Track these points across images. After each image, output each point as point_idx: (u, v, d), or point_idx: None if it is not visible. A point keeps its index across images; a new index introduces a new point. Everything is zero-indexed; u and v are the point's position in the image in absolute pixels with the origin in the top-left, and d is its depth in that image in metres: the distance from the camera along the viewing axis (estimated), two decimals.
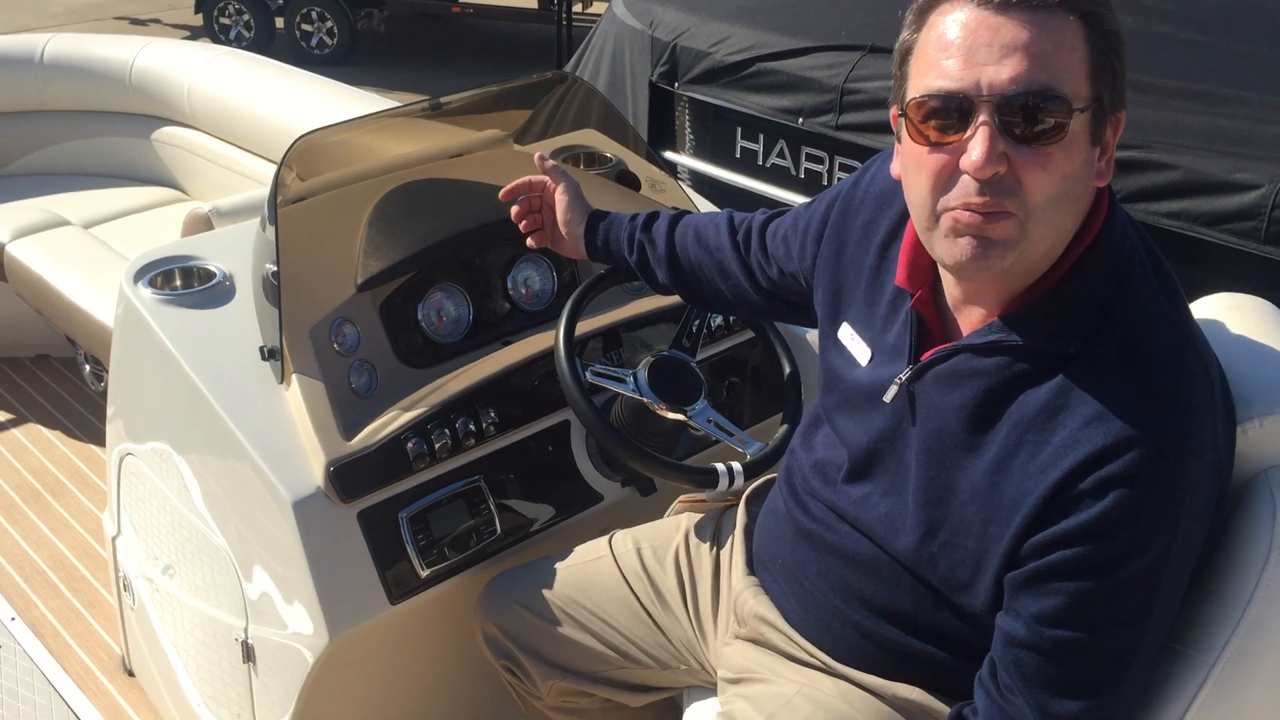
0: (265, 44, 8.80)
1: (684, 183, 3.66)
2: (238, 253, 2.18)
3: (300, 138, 2.01)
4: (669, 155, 3.66)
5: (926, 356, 1.34)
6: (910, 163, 1.25)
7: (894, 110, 1.30)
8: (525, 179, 1.94)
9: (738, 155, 3.45)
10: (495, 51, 9.01)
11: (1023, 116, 1.16)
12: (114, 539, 2.39)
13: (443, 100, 2.26)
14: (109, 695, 2.55)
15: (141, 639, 2.42)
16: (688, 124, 3.60)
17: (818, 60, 3.17)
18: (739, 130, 3.42)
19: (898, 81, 1.28)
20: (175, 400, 2.00)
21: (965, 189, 1.19)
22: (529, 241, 1.97)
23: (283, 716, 1.94)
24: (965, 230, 1.20)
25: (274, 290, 1.91)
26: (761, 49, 3.29)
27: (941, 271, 1.34)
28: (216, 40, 8.83)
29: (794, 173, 3.31)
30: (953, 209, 1.20)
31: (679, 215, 1.85)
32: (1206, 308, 1.50)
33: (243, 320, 2.04)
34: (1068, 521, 1.19)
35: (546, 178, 1.93)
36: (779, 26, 3.35)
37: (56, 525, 3.06)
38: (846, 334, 1.49)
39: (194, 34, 9.28)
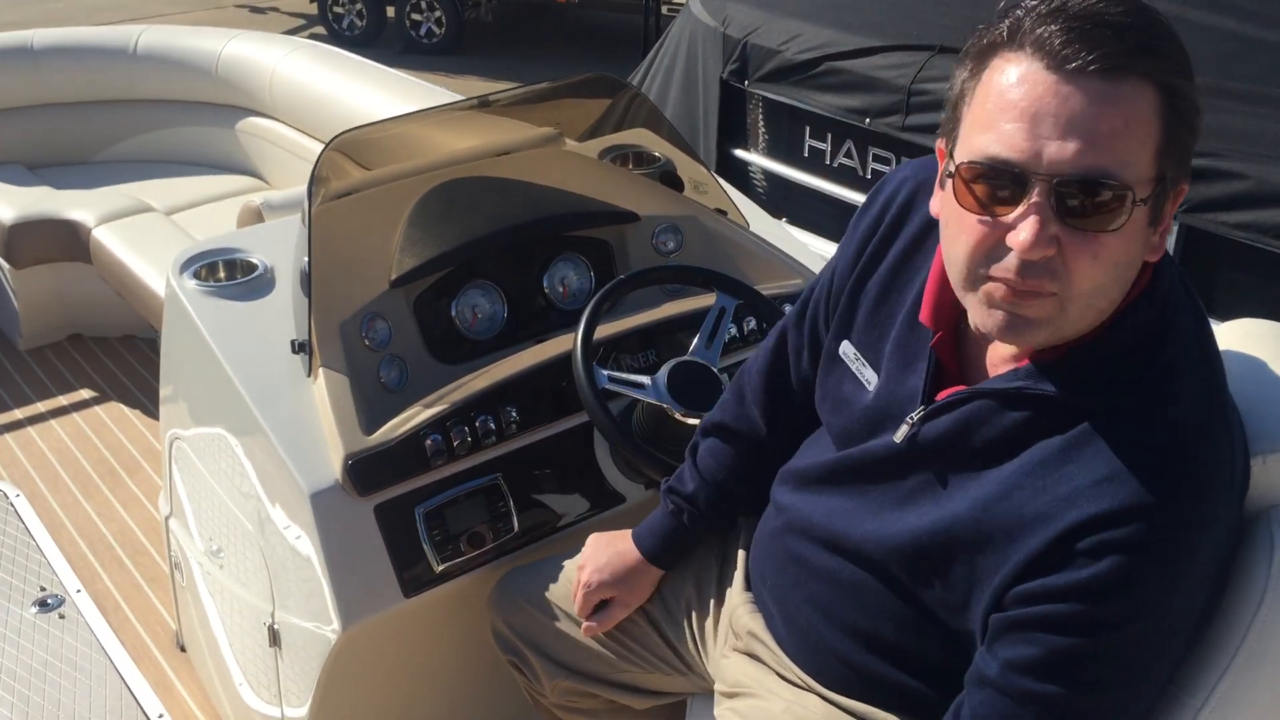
0: (376, 33, 9.00)
1: (755, 181, 3.64)
2: (283, 246, 2.23)
3: (340, 134, 2.04)
4: (739, 153, 3.64)
5: (943, 396, 1.29)
6: (952, 219, 1.17)
7: (941, 144, 1.22)
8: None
9: (806, 154, 3.41)
10: (600, 43, 9.05)
11: (1081, 201, 1.07)
12: (166, 518, 2.47)
13: (490, 98, 2.28)
14: (161, 669, 2.64)
15: (194, 616, 2.50)
16: (760, 122, 3.57)
17: (886, 60, 3.12)
18: (807, 129, 3.38)
19: (949, 123, 1.19)
20: (212, 389, 2.06)
21: (1008, 265, 1.11)
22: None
23: (306, 700, 1.98)
24: (1001, 305, 1.14)
25: (306, 284, 1.96)
26: (830, 48, 3.25)
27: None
28: (330, 29, 9.05)
29: (861, 173, 3.26)
30: (993, 279, 1.13)
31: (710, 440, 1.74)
32: (1223, 335, 1.43)
33: (280, 313, 2.09)
34: (1060, 576, 1.14)
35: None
36: (849, 25, 3.30)
37: (128, 501, 3.18)
38: (849, 352, 1.44)
39: (309, 22, 9.53)
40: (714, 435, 1.72)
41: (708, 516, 1.70)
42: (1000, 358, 1.26)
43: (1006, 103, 1.10)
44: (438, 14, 8.71)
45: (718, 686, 1.64)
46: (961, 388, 1.28)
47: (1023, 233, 1.09)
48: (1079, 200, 1.07)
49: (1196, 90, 1.12)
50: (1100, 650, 1.14)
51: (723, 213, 2.37)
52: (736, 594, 1.64)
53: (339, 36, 8.95)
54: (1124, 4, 1.09)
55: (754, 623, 1.58)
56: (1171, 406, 1.16)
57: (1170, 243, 2.58)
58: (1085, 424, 1.17)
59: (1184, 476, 1.13)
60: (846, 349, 1.44)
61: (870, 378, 1.40)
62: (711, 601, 1.72)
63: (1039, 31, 1.08)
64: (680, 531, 1.72)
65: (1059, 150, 1.07)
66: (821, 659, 1.46)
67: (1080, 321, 1.15)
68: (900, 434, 1.32)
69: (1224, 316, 1.53)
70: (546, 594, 1.82)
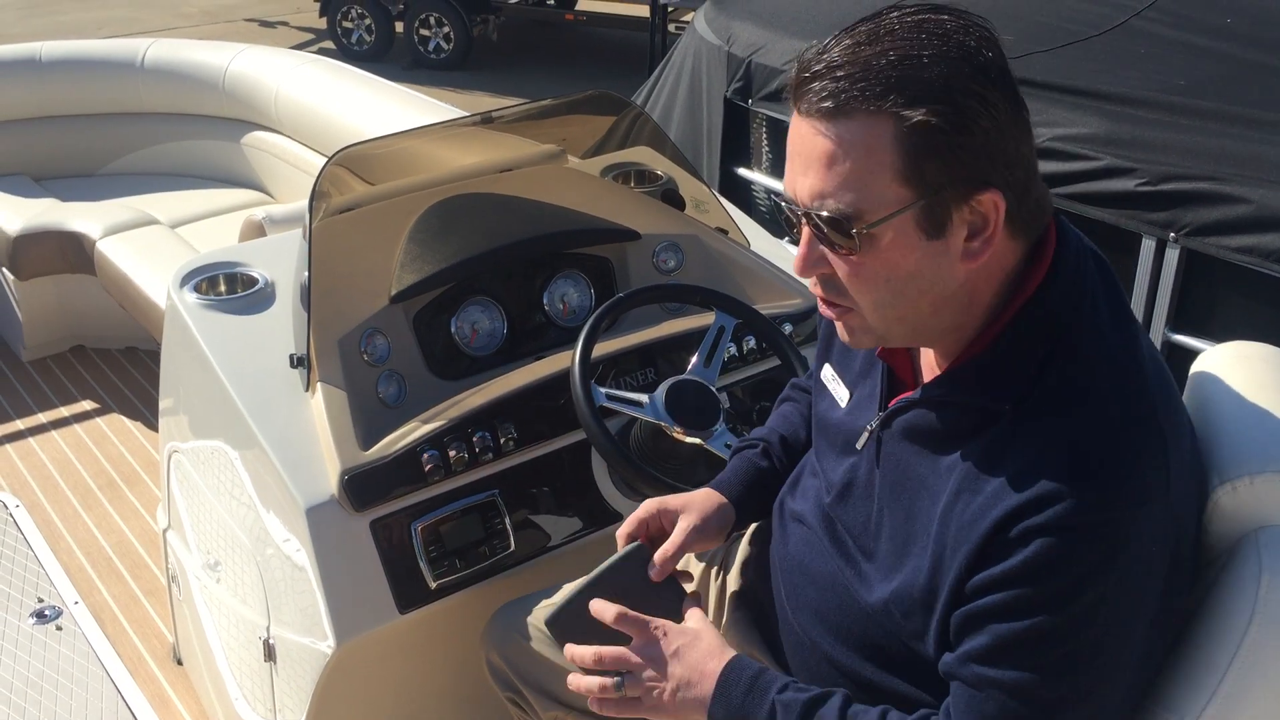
0: (385, 48, 9.03)
1: (759, 200, 3.64)
2: (284, 260, 2.24)
3: (342, 149, 2.05)
4: (742, 172, 3.64)
5: (893, 404, 1.35)
6: None
7: None
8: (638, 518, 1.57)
9: None
10: (606, 59, 9.08)
11: (824, 229, 1.19)
12: (164, 531, 2.48)
13: (494, 114, 2.29)
14: (157, 682, 2.63)
15: (190, 630, 2.50)
16: (763, 141, 3.57)
17: None
18: None
19: None
20: (210, 402, 2.07)
21: (811, 284, 1.27)
22: None
23: (300, 716, 1.98)
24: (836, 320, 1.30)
25: (306, 298, 1.96)
26: None
27: None
28: (339, 44, 9.08)
29: None
30: None
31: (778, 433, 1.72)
32: (1216, 357, 1.44)
33: (279, 327, 2.10)
34: (997, 567, 1.19)
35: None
36: None
37: (127, 513, 3.18)
38: (828, 375, 1.51)
39: (318, 36, 9.57)
40: (789, 402, 1.77)
41: (784, 461, 1.66)
42: (931, 370, 1.33)
43: (789, 144, 1.24)
44: (446, 30, 8.75)
45: None
46: (905, 396, 1.34)
47: (796, 257, 1.24)
48: (822, 227, 1.19)
49: (952, 110, 1.12)
50: (1048, 631, 1.17)
51: (724, 231, 2.37)
52: (732, 611, 1.65)
53: (348, 51, 8.99)
54: (880, 44, 1.15)
55: (749, 640, 1.59)
56: (1085, 390, 1.20)
57: (1171, 265, 2.60)
58: (1002, 424, 1.22)
59: (1103, 456, 1.16)
60: (826, 372, 1.52)
61: (843, 396, 1.47)
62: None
63: (798, 79, 1.20)
64: (760, 475, 1.64)
65: (799, 185, 1.20)
66: (818, 671, 1.47)
67: (900, 325, 1.25)
68: (861, 441, 1.39)
69: (1223, 340, 1.53)
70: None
